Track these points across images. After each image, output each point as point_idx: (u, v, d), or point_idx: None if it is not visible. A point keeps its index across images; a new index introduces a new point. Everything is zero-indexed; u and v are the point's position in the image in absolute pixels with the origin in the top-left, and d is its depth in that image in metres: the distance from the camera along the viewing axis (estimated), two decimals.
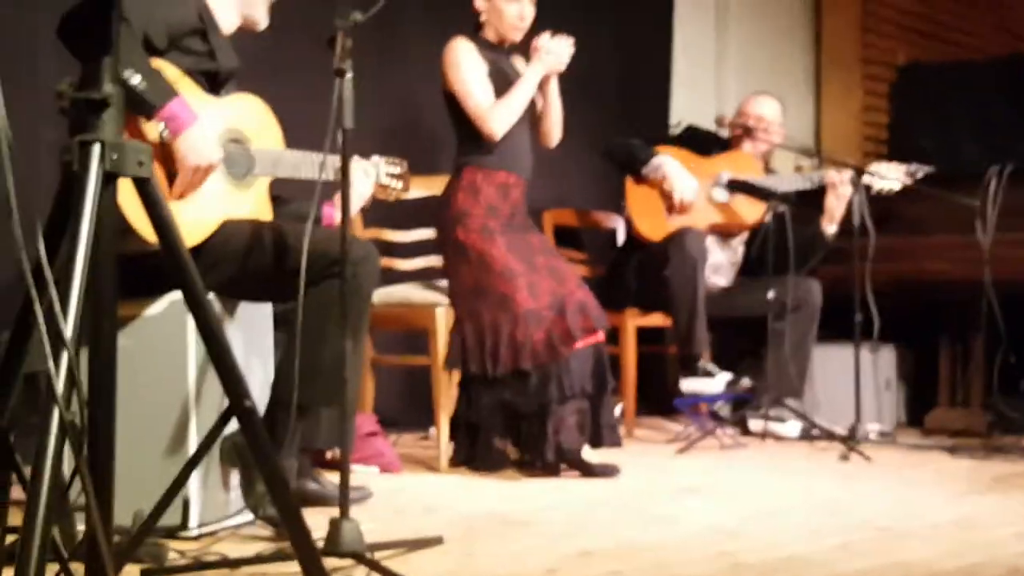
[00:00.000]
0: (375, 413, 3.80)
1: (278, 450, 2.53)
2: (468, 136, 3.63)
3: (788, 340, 4.46)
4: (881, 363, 4.86)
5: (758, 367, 4.50)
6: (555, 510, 2.93)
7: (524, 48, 3.70)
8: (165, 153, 2.52)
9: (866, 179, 4.39)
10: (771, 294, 4.34)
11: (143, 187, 1.64)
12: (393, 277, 3.96)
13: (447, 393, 3.64)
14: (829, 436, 4.29)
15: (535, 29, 3.69)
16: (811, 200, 4.56)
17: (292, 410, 2.43)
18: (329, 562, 2.06)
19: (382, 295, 3.74)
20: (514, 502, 3.04)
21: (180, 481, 1.76)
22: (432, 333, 3.67)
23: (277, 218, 2.77)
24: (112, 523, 1.56)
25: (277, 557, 2.17)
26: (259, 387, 2.63)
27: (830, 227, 4.56)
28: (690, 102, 5.83)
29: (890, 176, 4.43)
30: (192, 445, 2.45)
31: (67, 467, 1.45)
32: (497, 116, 3.58)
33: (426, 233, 4.10)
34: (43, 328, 1.42)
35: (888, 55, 6.66)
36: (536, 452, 3.47)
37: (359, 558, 2.15)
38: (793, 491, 3.29)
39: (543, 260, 3.59)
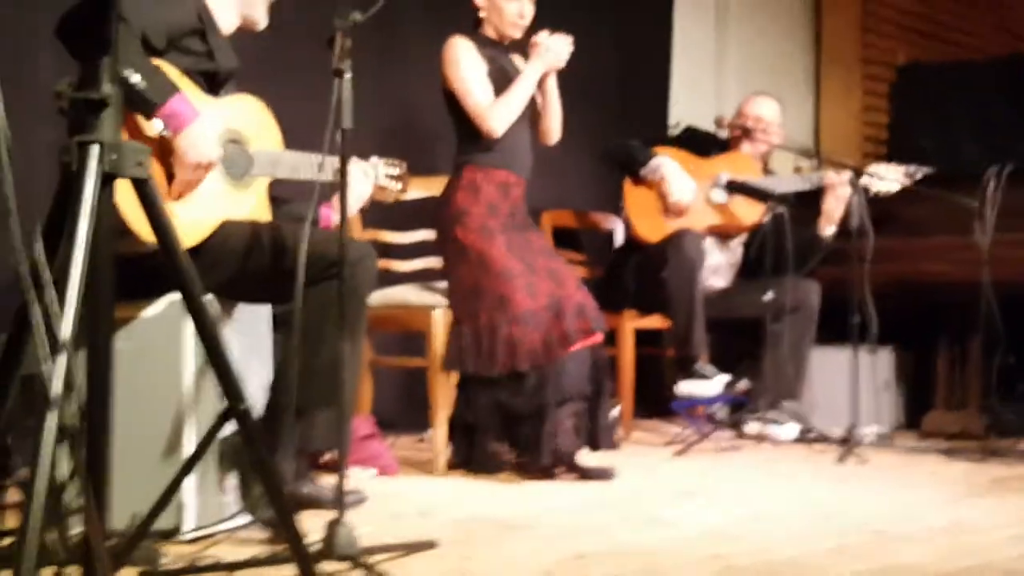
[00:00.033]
0: (373, 415, 3.80)
1: (275, 452, 2.53)
2: (468, 135, 3.63)
3: (786, 342, 4.46)
4: (878, 365, 4.85)
5: (756, 369, 4.50)
6: (551, 513, 2.93)
7: (523, 46, 3.70)
8: (164, 150, 2.51)
9: (864, 180, 4.39)
10: (769, 295, 4.34)
11: (141, 188, 1.64)
12: (391, 278, 3.95)
13: (444, 395, 3.64)
14: (826, 438, 4.29)
15: (534, 28, 3.69)
16: (810, 201, 4.56)
17: (290, 412, 2.43)
18: (324, 566, 2.07)
19: (380, 296, 3.74)
20: (510, 505, 3.04)
21: (176, 484, 1.77)
22: (430, 335, 3.66)
23: (275, 219, 2.77)
24: (108, 526, 1.56)
25: (273, 560, 2.17)
26: (257, 389, 2.63)
27: (828, 228, 4.56)
28: (689, 103, 5.83)
29: (889, 177, 4.43)
30: (188, 447, 2.45)
31: (64, 469, 1.45)
32: (496, 114, 3.58)
33: (425, 234, 4.09)
34: (40, 330, 1.42)
35: (888, 55, 6.66)
36: (532, 455, 3.47)
37: (355, 562, 2.15)
38: (789, 494, 3.29)
39: (542, 261, 3.59)
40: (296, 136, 2.86)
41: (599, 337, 3.55)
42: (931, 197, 4.46)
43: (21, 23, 3.40)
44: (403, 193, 3.09)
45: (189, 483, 2.43)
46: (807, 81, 6.63)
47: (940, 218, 4.61)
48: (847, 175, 4.45)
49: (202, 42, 2.67)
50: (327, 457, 3.18)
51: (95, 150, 1.56)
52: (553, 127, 3.76)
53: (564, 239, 4.80)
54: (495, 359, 3.46)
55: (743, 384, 4.31)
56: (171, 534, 2.40)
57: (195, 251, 2.52)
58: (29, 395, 1.53)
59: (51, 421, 1.41)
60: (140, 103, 2.41)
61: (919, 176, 4.48)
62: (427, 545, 2.38)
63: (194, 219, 2.58)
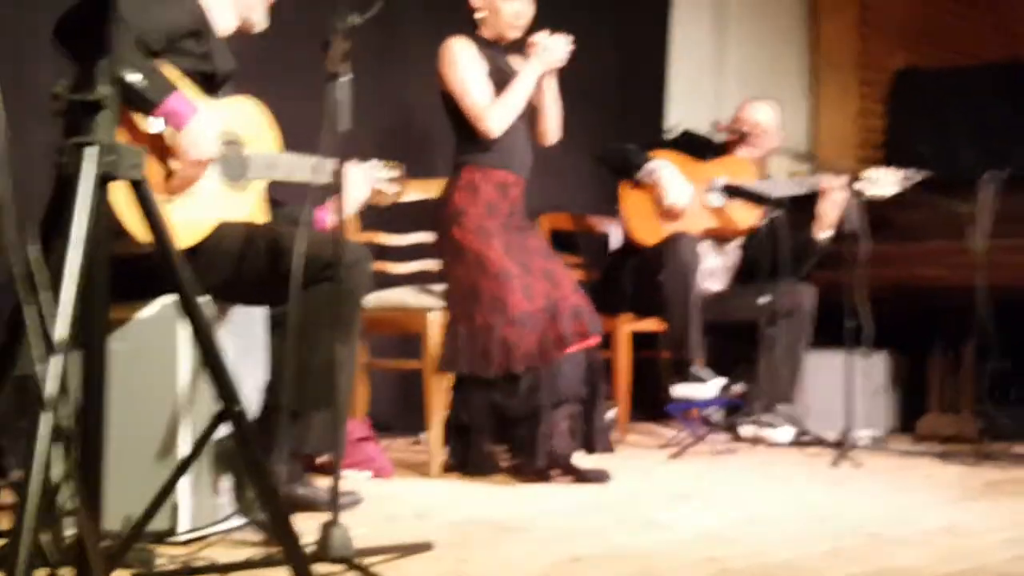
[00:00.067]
0: (368, 417, 3.80)
1: (269, 455, 2.53)
2: (467, 135, 3.63)
3: (780, 345, 4.46)
4: (873, 369, 4.86)
5: (751, 372, 4.50)
6: (547, 515, 2.93)
7: (522, 46, 3.70)
8: (160, 148, 2.52)
9: (860, 185, 4.40)
10: (765, 299, 4.34)
11: (137, 189, 1.64)
12: (387, 281, 3.95)
13: (440, 398, 3.64)
14: (820, 442, 4.29)
15: (532, 30, 3.69)
16: (805, 205, 4.57)
17: (284, 414, 2.43)
18: (319, 568, 2.07)
19: (376, 299, 3.74)
20: (505, 507, 3.04)
21: (170, 485, 1.76)
22: (426, 337, 3.66)
23: (272, 221, 2.77)
24: (102, 527, 1.56)
25: (267, 562, 2.16)
26: (251, 391, 2.63)
27: (823, 233, 4.56)
28: (687, 106, 5.83)
29: (884, 182, 4.43)
30: (183, 449, 2.44)
31: (57, 471, 1.45)
32: (495, 115, 3.58)
33: (421, 237, 4.09)
34: (35, 331, 1.42)
35: (885, 60, 6.66)
36: (528, 457, 3.47)
37: (349, 564, 2.15)
38: (784, 497, 3.30)
39: (539, 262, 3.59)
40: (295, 138, 2.86)
41: (595, 340, 3.55)
42: (927, 202, 4.46)
43: (19, 24, 3.40)
44: (400, 196, 3.10)
45: (183, 485, 2.43)
46: (804, 85, 6.63)
47: (935, 223, 4.62)
48: (843, 179, 4.46)
49: (200, 43, 2.67)
50: (322, 459, 3.18)
51: (91, 152, 1.56)
52: (551, 127, 3.77)
53: (561, 242, 4.80)
54: (490, 360, 3.46)
55: (738, 387, 4.31)
56: (165, 536, 2.40)
57: (191, 252, 2.52)
58: (23, 396, 1.53)
59: (45, 422, 1.41)
60: (139, 101, 2.41)
61: (915, 181, 4.49)
62: (423, 547, 2.38)
63: (190, 220, 2.58)
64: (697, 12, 6.03)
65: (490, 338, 3.47)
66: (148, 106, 2.44)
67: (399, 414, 4.50)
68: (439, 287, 3.73)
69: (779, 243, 4.34)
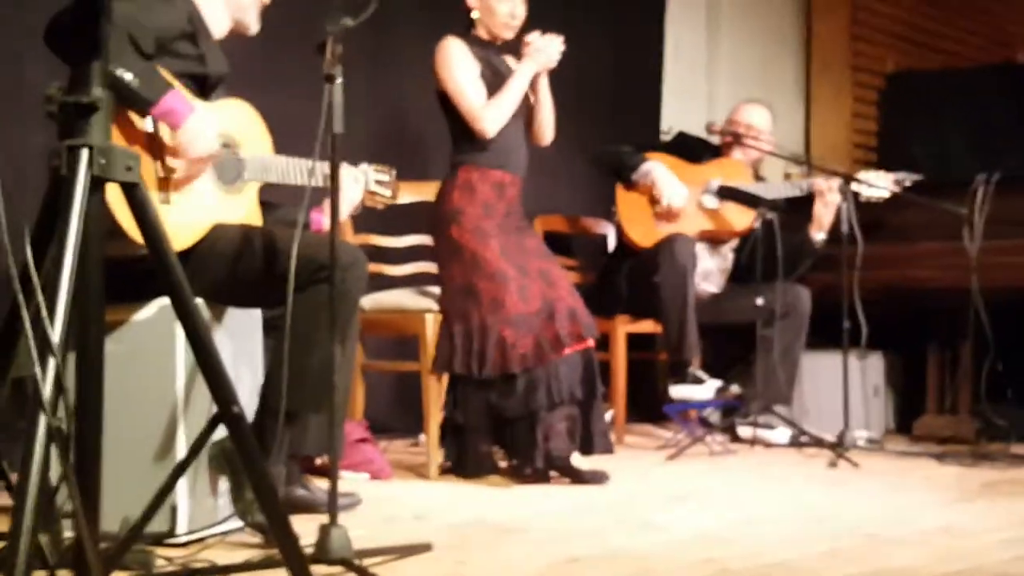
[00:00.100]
0: (365, 419, 3.80)
1: (266, 456, 2.52)
2: (463, 135, 3.63)
3: (777, 347, 4.47)
4: (869, 370, 4.87)
5: (747, 374, 4.50)
6: (544, 517, 2.93)
7: (516, 47, 3.71)
8: (157, 146, 2.51)
9: (854, 187, 4.41)
10: (760, 301, 4.35)
11: (131, 192, 1.63)
12: (383, 283, 3.95)
13: (437, 399, 3.64)
14: (818, 443, 4.29)
15: (526, 30, 3.69)
16: (800, 207, 4.57)
17: (280, 416, 2.42)
18: (318, 569, 2.06)
19: (372, 301, 3.74)
20: (504, 509, 3.04)
21: (168, 487, 1.76)
22: (422, 339, 3.66)
23: (266, 224, 2.77)
24: (100, 530, 1.55)
25: (266, 564, 2.16)
26: (248, 393, 2.62)
27: (818, 234, 4.57)
28: (681, 108, 5.84)
29: (878, 184, 4.44)
30: (180, 451, 2.44)
31: (54, 473, 1.44)
32: (489, 115, 3.58)
33: (417, 239, 4.10)
34: (30, 333, 1.42)
35: (878, 63, 6.68)
36: (526, 458, 3.47)
37: (348, 565, 2.14)
38: (781, 498, 3.30)
39: (535, 263, 3.59)
40: (288, 141, 2.86)
41: (591, 342, 3.55)
42: (920, 204, 4.47)
43: (12, 26, 3.40)
44: (393, 199, 3.10)
45: (182, 486, 2.43)
46: (797, 88, 6.65)
47: (929, 225, 4.63)
48: (837, 182, 4.47)
49: (193, 46, 2.66)
50: (321, 461, 3.18)
51: (84, 154, 1.55)
52: (546, 127, 3.77)
53: (556, 244, 4.79)
54: (485, 361, 3.46)
55: (735, 389, 4.31)
56: (164, 537, 2.40)
57: (186, 255, 2.52)
58: (20, 398, 1.53)
59: (42, 424, 1.40)
60: (135, 100, 2.41)
61: (908, 183, 4.50)
62: (421, 548, 2.38)
63: (185, 223, 2.57)
64: (691, 16, 6.04)
65: (486, 338, 3.47)
66: (144, 105, 2.43)
67: (396, 416, 4.50)
68: (435, 289, 3.73)
69: (774, 245, 4.35)
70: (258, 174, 2.74)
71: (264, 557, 2.25)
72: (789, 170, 5.61)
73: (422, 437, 4.03)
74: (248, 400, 2.59)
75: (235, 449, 1.74)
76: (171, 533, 2.42)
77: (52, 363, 1.43)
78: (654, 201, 4.49)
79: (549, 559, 2.36)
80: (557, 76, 3.73)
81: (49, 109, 1.63)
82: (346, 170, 2.90)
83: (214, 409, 1.70)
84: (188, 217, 2.58)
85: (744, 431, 4.55)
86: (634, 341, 4.67)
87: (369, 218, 3.63)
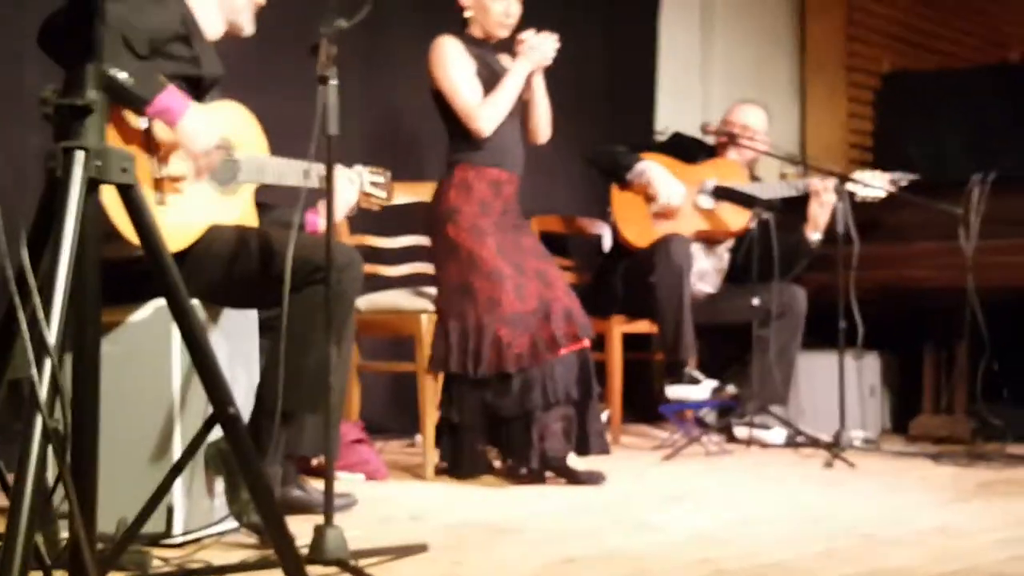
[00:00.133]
0: (361, 420, 3.80)
1: (262, 457, 2.52)
2: (459, 134, 3.64)
3: (773, 347, 4.47)
4: (865, 370, 4.87)
5: (743, 374, 4.51)
6: (540, 517, 2.93)
7: (510, 45, 3.71)
8: (154, 144, 2.51)
9: (850, 187, 4.41)
10: (756, 301, 4.35)
11: (127, 194, 1.63)
12: (379, 283, 3.96)
13: (433, 400, 3.64)
14: (814, 443, 4.30)
15: (520, 30, 3.70)
16: (796, 207, 4.58)
17: (276, 417, 2.43)
18: (313, 570, 2.07)
19: (368, 301, 3.74)
20: (500, 509, 3.04)
21: (164, 488, 1.76)
22: (418, 339, 3.67)
23: (262, 225, 2.77)
24: (96, 530, 1.55)
25: (262, 564, 2.16)
26: (244, 394, 2.63)
27: (814, 234, 4.57)
28: (675, 109, 5.85)
29: (874, 184, 4.45)
30: (176, 452, 2.44)
31: (50, 474, 1.44)
32: (484, 114, 3.59)
33: (412, 239, 4.10)
34: (26, 334, 1.42)
35: (873, 63, 6.69)
36: (521, 458, 3.47)
37: (344, 565, 2.15)
38: (778, 498, 3.30)
39: (532, 262, 3.59)
40: (282, 143, 2.86)
41: (587, 342, 3.55)
42: (916, 204, 4.48)
43: (12, 26, 3.39)
44: (388, 201, 3.10)
45: (178, 487, 2.43)
46: (792, 88, 6.65)
47: (925, 224, 4.64)
48: (832, 182, 4.47)
49: (187, 48, 2.66)
50: (317, 461, 3.18)
51: (80, 156, 1.55)
52: (542, 126, 3.77)
53: (552, 245, 4.79)
54: (481, 360, 3.46)
55: (731, 389, 4.32)
56: (160, 538, 2.40)
57: (181, 256, 2.52)
58: (16, 399, 1.53)
59: (38, 425, 1.41)
60: (130, 99, 2.41)
61: (904, 183, 4.51)
62: (417, 549, 2.38)
63: (181, 224, 2.57)
64: (684, 16, 6.05)
65: (482, 337, 3.47)
66: (140, 103, 2.43)
67: (392, 416, 4.50)
68: (431, 290, 3.73)
69: (769, 245, 4.35)
70: (253, 175, 2.74)
71: (260, 558, 2.25)
72: (785, 170, 5.61)
73: (418, 438, 4.03)
74: (244, 401, 2.60)
75: (231, 450, 1.74)
76: (167, 534, 2.42)
77: (48, 364, 1.43)
78: (649, 201, 4.49)
79: (545, 559, 2.36)
80: (551, 76, 3.74)
81: (44, 111, 1.62)
82: (341, 171, 2.91)
83: (210, 410, 1.70)
84: (184, 218, 2.58)
85: (740, 431, 4.55)
86: (630, 341, 4.68)
87: (365, 219, 3.63)
